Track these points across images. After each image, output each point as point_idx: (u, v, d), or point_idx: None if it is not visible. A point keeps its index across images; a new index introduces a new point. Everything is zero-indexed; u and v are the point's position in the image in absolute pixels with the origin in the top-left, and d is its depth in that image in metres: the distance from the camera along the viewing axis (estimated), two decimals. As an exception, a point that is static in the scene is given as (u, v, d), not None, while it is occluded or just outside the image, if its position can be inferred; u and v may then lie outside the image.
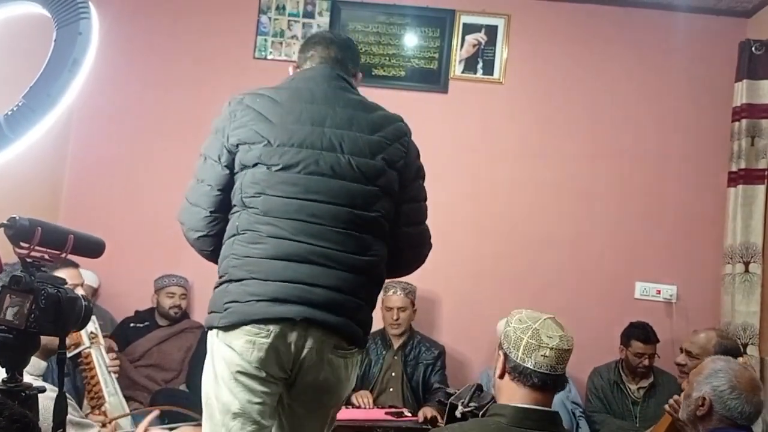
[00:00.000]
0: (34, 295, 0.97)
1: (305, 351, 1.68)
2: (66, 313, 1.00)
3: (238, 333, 1.66)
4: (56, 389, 1.89)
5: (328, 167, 1.74)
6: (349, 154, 1.76)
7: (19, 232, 1.02)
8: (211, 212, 1.79)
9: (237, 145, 1.75)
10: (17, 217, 1.02)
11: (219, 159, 1.77)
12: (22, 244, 1.03)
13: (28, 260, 1.01)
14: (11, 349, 1.00)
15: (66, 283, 1.03)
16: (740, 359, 2.27)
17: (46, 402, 1.14)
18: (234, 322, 1.66)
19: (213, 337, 1.73)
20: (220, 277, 1.75)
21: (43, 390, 1.02)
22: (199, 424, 2.13)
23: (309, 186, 1.72)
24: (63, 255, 1.05)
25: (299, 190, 1.72)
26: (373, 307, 1.84)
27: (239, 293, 1.68)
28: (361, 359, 3.16)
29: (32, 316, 0.97)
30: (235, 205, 1.77)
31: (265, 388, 1.68)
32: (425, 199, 1.92)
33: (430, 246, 1.96)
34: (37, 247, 1.00)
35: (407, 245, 1.90)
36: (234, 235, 1.74)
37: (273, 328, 1.65)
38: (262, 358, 1.65)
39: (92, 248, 1.14)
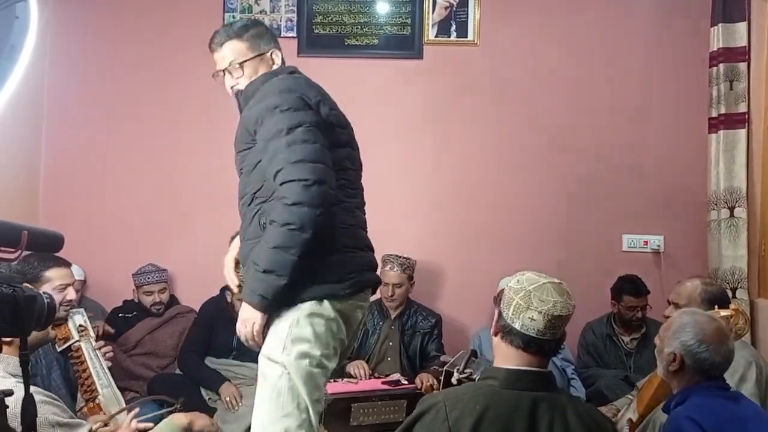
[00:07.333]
0: (-13, 296, 0.94)
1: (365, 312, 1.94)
2: (24, 313, 0.96)
3: (353, 301, 1.82)
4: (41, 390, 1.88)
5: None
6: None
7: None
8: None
9: (334, 125, 1.86)
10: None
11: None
12: (-27, 246, 0.99)
13: (-20, 261, 0.97)
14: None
15: (23, 282, 0.99)
16: (730, 305, 2.27)
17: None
18: (356, 292, 1.81)
19: (321, 305, 1.74)
20: (330, 247, 1.76)
21: (10, 393, 1.00)
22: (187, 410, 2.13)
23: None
24: (18, 252, 1.02)
25: (358, 167, 1.97)
26: None
27: (355, 264, 1.82)
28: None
29: (-13, 318, 0.93)
30: None
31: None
32: None
33: None
34: (-12, 248, 0.96)
35: None
36: (335, 204, 1.76)
37: (369, 292, 1.91)
38: (360, 320, 1.89)
39: (50, 243, 1.10)
